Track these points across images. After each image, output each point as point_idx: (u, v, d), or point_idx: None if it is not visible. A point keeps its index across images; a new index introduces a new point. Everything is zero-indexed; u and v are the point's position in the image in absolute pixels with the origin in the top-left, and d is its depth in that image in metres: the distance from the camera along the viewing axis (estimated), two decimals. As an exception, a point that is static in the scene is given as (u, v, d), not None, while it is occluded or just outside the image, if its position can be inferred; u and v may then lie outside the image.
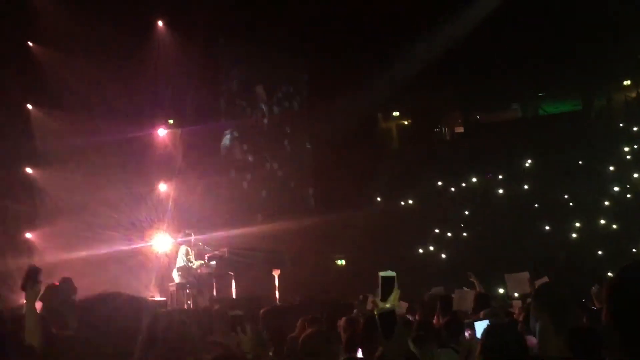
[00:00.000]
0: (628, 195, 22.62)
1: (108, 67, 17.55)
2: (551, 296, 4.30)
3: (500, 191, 24.21)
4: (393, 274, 3.81)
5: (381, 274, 3.79)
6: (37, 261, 16.49)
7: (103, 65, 17.42)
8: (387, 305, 3.76)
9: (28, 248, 17.17)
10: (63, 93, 17.39)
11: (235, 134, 21.63)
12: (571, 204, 22.90)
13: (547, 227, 22.53)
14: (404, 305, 10.21)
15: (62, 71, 17.31)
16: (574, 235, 22.38)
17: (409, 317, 9.34)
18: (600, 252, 21.37)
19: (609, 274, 17.62)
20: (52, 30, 17.25)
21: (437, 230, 23.76)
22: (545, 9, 21.57)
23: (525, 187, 23.87)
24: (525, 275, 11.77)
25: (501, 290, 16.02)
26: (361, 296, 12.10)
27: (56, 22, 17.16)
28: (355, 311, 9.72)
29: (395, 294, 3.77)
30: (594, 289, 10.06)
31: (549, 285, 6.99)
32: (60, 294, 9.88)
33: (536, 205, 23.28)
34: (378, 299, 3.77)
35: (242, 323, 4.79)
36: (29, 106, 17.82)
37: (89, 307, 3.59)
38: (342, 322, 7.02)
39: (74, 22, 17.01)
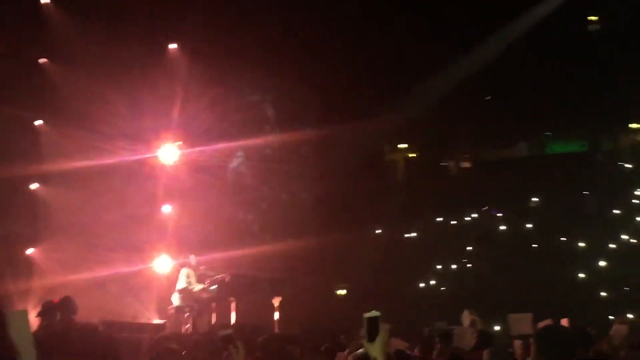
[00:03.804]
0: (634, 240, 22.50)
1: (117, 88, 17.63)
2: (553, 339, 4.27)
3: (504, 228, 24.13)
4: (377, 314, 3.79)
5: (366, 315, 3.77)
6: (37, 281, 16.45)
7: (113, 85, 17.51)
8: (360, 351, 3.76)
9: (28, 267, 17.09)
10: (72, 111, 17.47)
11: (243, 156, 21.62)
12: (576, 244, 22.79)
13: (550, 268, 22.38)
14: (401, 344, 9.97)
15: (73, 89, 17.40)
16: (578, 276, 22.25)
17: (408, 352, 9.23)
18: (603, 295, 21.23)
19: (611, 317, 17.51)
20: (65, 48, 17.38)
21: (439, 265, 23.65)
22: (555, 49, 21.65)
23: (530, 225, 23.78)
24: (529, 316, 11.68)
25: (497, 328, 15.90)
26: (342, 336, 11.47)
27: (69, 39, 17.28)
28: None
29: (381, 335, 3.73)
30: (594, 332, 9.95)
31: (551, 328, 6.92)
32: (60, 313, 9.87)
33: (540, 245, 23.15)
34: (365, 341, 3.75)
35: (233, 341, 4.76)
36: (39, 122, 17.89)
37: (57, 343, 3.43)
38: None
39: (87, 40, 17.16)
